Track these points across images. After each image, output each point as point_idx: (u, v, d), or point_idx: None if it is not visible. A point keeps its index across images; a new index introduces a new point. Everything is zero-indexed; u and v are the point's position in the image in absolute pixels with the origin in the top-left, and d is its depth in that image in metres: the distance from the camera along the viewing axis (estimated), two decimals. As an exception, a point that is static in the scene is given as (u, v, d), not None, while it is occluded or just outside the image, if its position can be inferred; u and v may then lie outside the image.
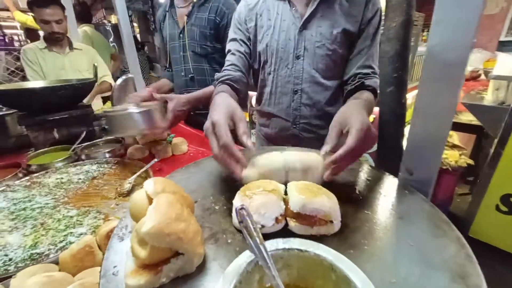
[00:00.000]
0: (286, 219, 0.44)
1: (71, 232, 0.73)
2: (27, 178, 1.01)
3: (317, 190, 0.45)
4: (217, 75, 0.97)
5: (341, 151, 0.50)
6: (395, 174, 0.62)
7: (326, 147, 0.54)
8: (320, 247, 0.29)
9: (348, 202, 0.49)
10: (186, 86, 1.53)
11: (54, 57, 1.87)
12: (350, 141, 0.50)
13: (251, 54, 1.03)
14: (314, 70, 0.92)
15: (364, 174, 0.61)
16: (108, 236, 0.62)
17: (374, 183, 0.58)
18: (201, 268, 0.36)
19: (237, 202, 0.44)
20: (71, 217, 0.80)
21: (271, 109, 1.04)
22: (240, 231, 0.42)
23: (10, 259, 0.64)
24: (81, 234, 0.73)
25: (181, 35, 1.46)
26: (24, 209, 0.83)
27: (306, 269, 0.31)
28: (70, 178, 1.03)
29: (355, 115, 0.55)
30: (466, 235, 2.01)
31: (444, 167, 1.86)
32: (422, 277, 0.34)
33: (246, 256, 0.28)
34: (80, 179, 1.03)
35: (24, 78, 1.90)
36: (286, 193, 0.48)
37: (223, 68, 1.01)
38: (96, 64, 1.66)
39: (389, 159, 0.76)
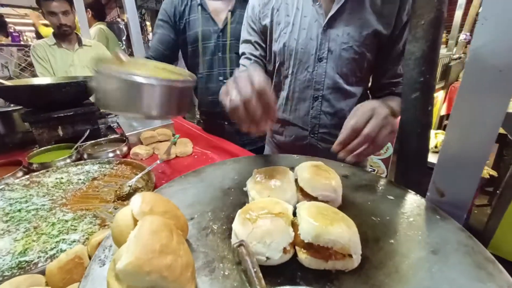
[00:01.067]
0: (295, 248, 0.37)
1: (63, 239, 0.69)
2: (26, 176, 0.99)
3: (334, 215, 0.37)
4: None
5: (348, 130, 0.56)
6: (417, 192, 0.54)
7: (338, 139, 0.57)
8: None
9: (368, 226, 0.42)
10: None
11: (63, 54, 1.87)
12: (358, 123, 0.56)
13: (266, 56, 0.95)
14: (338, 75, 0.82)
15: (385, 191, 0.54)
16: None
17: (397, 203, 0.50)
18: (190, 309, 0.29)
19: (237, 226, 0.37)
20: (66, 221, 0.76)
21: (287, 115, 0.94)
22: (240, 264, 0.36)
23: (-4, 267, 0.60)
24: (74, 241, 0.68)
25: (220, 34, 1.30)
26: (19, 210, 0.80)
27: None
28: (70, 178, 0.99)
29: (372, 105, 0.58)
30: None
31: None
32: None
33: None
34: (80, 179, 0.99)
35: (35, 74, 1.91)
36: (294, 214, 0.41)
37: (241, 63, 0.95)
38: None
39: (410, 174, 0.68)
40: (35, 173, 1.02)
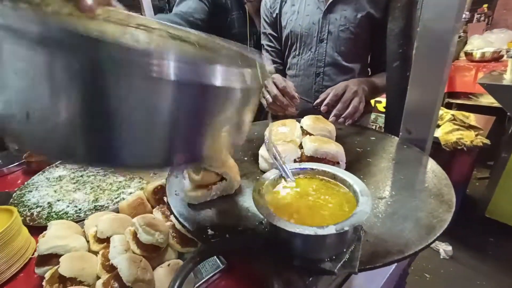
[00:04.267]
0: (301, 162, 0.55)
1: (122, 191, 0.89)
2: (78, 154, 1.19)
3: (327, 140, 0.55)
4: None
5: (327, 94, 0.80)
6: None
7: (320, 97, 0.81)
8: (326, 166, 0.40)
9: (352, 153, 0.60)
10: None
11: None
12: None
13: (280, 44, 1.11)
14: (337, 53, 0.98)
15: (369, 135, 0.71)
16: (155, 191, 0.77)
17: (377, 141, 0.68)
18: (239, 191, 0.48)
19: (262, 151, 0.56)
20: (120, 181, 0.96)
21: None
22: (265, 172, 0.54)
23: (79, 209, 0.80)
24: (130, 193, 0.88)
25: None
26: (81, 176, 1.00)
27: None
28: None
29: (346, 83, 0.81)
30: (483, 215, 2.03)
31: (459, 147, 1.88)
32: (407, 196, 0.45)
33: (273, 172, 0.39)
34: (121, 154, 1.19)
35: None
36: (301, 147, 0.59)
37: None
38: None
39: (394, 128, 0.84)
40: (84, 151, 1.22)
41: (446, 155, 1.93)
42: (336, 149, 0.52)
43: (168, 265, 0.57)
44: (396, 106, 0.91)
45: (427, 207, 0.41)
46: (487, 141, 1.91)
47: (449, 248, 1.82)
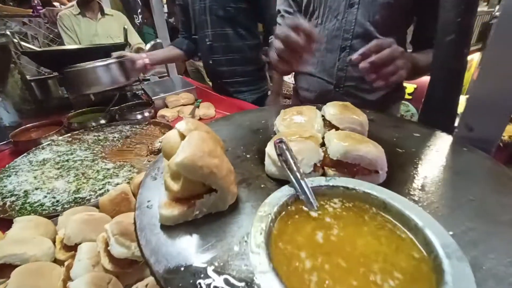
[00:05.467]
0: (323, 169, 0.40)
1: (108, 182, 0.78)
2: (68, 134, 1.08)
3: (361, 138, 0.40)
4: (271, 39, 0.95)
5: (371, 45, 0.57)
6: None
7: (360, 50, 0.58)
8: (371, 186, 0.25)
9: (393, 155, 0.44)
10: (211, 53, 1.42)
11: (87, 24, 1.91)
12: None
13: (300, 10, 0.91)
14: (369, 23, 0.78)
15: (411, 130, 0.55)
16: (142, 185, 0.65)
17: (423, 139, 0.51)
18: (234, 207, 0.34)
19: (270, 149, 0.41)
20: (108, 169, 0.84)
21: (312, 68, 0.92)
22: (273, 179, 0.40)
23: (57, 201, 0.70)
24: (117, 183, 0.77)
25: None
26: (67, 160, 0.90)
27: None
28: (106, 136, 1.08)
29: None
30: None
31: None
32: (483, 232, 0.30)
33: (285, 190, 0.25)
34: (115, 137, 1.07)
35: (61, 46, 1.98)
36: (322, 145, 0.44)
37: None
38: (126, 27, 1.67)
39: (434, 119, 0.66)
40: (75, 132, 1.11)
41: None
42: (375, 153, 0.37)
43: (146, 285, 0.45)
44: (441, 92, 0.73)
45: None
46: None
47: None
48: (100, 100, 1.38)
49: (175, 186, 0.32)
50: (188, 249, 0.28)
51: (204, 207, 0.32)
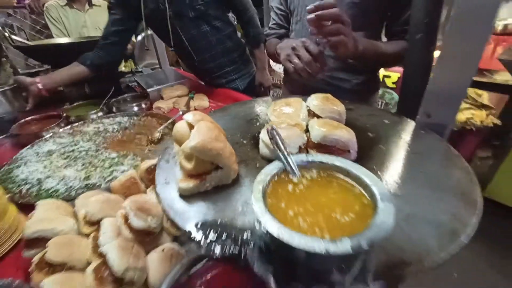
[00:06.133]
0: (307, 150, 0.49)
1: (115, 169, 0.84)
2: (68, 127, 1.13)
3: (337, 125, 0.49)
4: (266, 32, 1.07)
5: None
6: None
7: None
8: (339, 159, 0.34)
9: (364, 139, 0.54)
10: (193, 56, 1.40)
11: (75, 15, 1.89)
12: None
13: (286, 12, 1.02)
14: None
15: (382, 118, 0.64)
16: (148, 171, 0.72)
17: (392, 125, 0.61)
18: (236, 181, 0.43)
19: (263, 135, 0.49)
20: (113, 158, 0.91)
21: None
22: (267, 160, 0.49)
23: (70, 187, 0.77)
24: (124, 171, 0.84)
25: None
26: (72, 151, 0.95)
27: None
28: (106, 128, 1.13)
29: None
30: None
31: (468, 127, 1.81)
32: (426, 196, 0.39)
33: (276, 164, 0.34)
34: (114, 128, 1.13)
35: (49, 36, 1.96)
36: (307, 131, 0.53)
37: (269, 26, 1.08)
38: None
39: (409, 109, 0.77)
40: (75, 124, 1.16)
41: (451, 135, 1.86)
42: (347, 137, 0.46)
43: (163, 250, 0.54)
44: (413, 85, 0.83)
45: (450, 208, 0.36)
46: (498, 122, 1.83)
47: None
48: (95, 93, 1.42)
49: (189, 165, 0.40)
50: (202, 211, 0.37)
51: (212, 181, 0.40)
